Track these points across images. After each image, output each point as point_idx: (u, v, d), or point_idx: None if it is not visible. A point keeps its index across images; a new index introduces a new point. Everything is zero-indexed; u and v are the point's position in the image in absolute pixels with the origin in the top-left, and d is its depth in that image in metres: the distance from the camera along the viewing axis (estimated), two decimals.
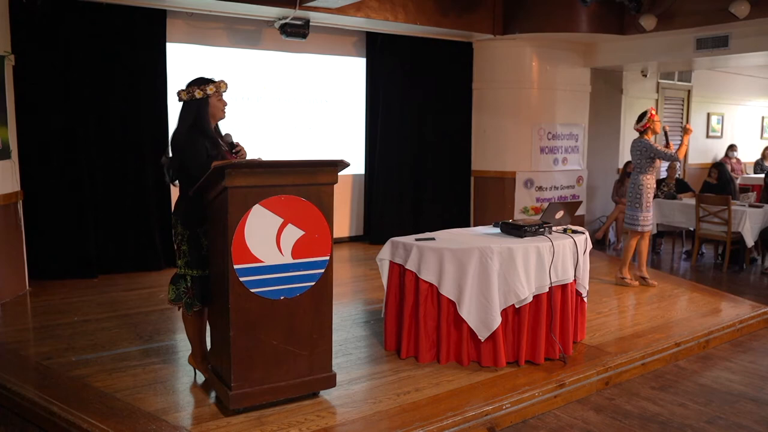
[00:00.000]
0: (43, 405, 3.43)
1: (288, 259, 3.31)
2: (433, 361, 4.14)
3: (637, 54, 8.22)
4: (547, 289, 4.11)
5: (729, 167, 10.01)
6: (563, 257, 4.18)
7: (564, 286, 4.23)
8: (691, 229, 7.96)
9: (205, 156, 3.46)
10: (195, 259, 3.59)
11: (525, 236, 4.20)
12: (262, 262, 3.24)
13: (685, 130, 6.07)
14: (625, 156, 9.58)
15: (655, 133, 6.07)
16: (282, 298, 3.32)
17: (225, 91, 3.63)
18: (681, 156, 5.99)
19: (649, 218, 6.12)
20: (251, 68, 7.34)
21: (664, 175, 8.97)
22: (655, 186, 6.14)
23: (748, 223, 7.22)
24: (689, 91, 11.02)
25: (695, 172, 11.10)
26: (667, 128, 6.48)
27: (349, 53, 8.03)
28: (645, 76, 10.00)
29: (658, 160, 6.04)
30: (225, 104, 3.64)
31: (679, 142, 6.11)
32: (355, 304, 5.59)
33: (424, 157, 8.48)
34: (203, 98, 3.54)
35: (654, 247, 8.53)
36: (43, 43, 5.90)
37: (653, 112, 6.09)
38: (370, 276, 6.46)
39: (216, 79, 3.61)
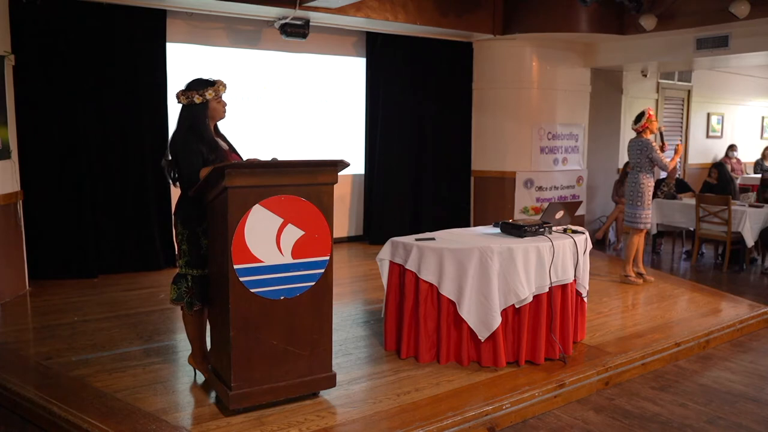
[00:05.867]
0: (43, 405, 3.43)
1: (288, 259, 3.31)
2: (433, 361, 4.14)
3: (637, 54, 8.22)
4: (547, 289, 4.11)
5: (729, 167, 10.02)
6: (563, 257, 4.18)
7: (564, 286, 4.23)
8: (691, 229, 7.96)
9: (200, 161, 3.45)
10: (195, 259, 3.59)
11: (525, 236, 4.19)
12: (262, 262, 3.24)
13: (676, 150, 6.12)
14: (625, 156, 9.55)
15: (652, 132, 6.10)
16: (282, 298, 3.32)
17: (224, 93, 3.62)
18: (670, 168, 6.12)
19: (649, 216, 6.17)
20: (251, 68, 7.34)
21: (663, 174, 8.97)
22: (653, 184, 6.18)
23: (748, 223, 7.22)
24: (689, 91, 11.02)
25: (695, 172, 11.10)
26: (663, 129, 6.49)
27: (349, 53, 8.03)
28: (645, 76, 10.00)
29: None
30: (225, 105, 3.63)
31: (675, 143, 6.16)
32: (355, 304, 5.59)
33: (424, 157, 8.47)
34: (202, 103, 3.53)
35: (654, 247, 8.54)
36: (43, 43, 5.90)
37: (651, 113, 6.11)
38: (370, 276, 6.46)
39: (214, 80, 3.58)
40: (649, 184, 6.11)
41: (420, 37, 8.07)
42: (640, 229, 6.21)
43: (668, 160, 6.05)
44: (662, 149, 6.18)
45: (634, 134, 6.25)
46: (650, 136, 6.10)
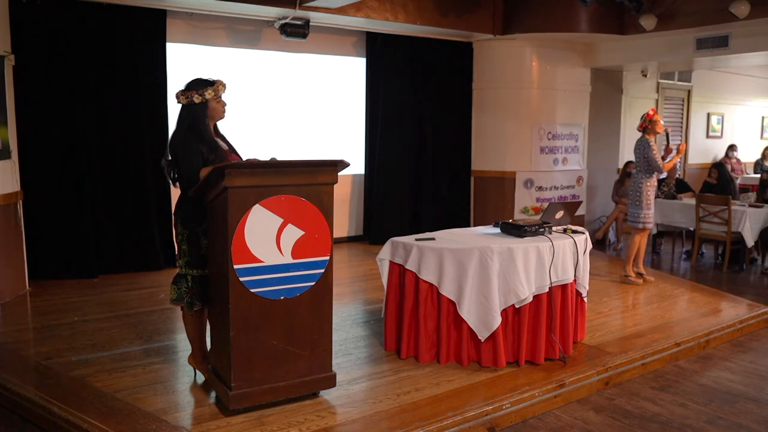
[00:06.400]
0: (43, 405, 3.43)
1: (288, 259, 3.31)
2: (433, 361, 4.14)
3: (637, 54, 8.22)
4: (547, 289, 4.11)
5: (729, 167, 10.02)
6: (563, 257, 4.18)
7: (564, 286, 4.23)
8: (691, 229, 7.96)
9: (200, 161, 3.46)
10: (195, 259, 3.59)
11: (525, 236, 4.19)
12: (262, 262, 3.24)
13: (679, 150, 6.13)
14: (625, 156, 9.58)
15: (656, 133, 6.09)
16: (282, 298, 3.32)
17: (223, 92, 3.62)
18: (665, 169, 6.12)
19: (650, 216, 6.18)
20: (251, 68, 7.34)
21: (664, 175, 8.97)
22: (656, 185, 6.19)
23: (748, 223, 7.22)
24: (689, 91, 11.02)
25: (695, 172, 11.10)
26: (669, 130, 6.49)
27: (349, 53, 8.03)
28: (645, 76, 10.00)
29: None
30: (224, 105, 3.63)
31: (678, 143, 6.16)
32: (355, 304, 5.59)
33: (424, 157, 8.47)
34: (202, 103, 3.53)
35: (654, 247, 8.54)
36: (43, 43, 5.90)
37: (651, 113, 6.11)
38: (370, 276, 6.46)
39: (213, 80, 3.59)
40: (649, 184, 6.11)
41: (420, 37, 8.07)
42: (641, 229, 6.22)
43: (662, 161, 6.04)
44: (668, 150, 6.19)
45: (633, 134, 6.27)
46: (652, 137, 6.10)
